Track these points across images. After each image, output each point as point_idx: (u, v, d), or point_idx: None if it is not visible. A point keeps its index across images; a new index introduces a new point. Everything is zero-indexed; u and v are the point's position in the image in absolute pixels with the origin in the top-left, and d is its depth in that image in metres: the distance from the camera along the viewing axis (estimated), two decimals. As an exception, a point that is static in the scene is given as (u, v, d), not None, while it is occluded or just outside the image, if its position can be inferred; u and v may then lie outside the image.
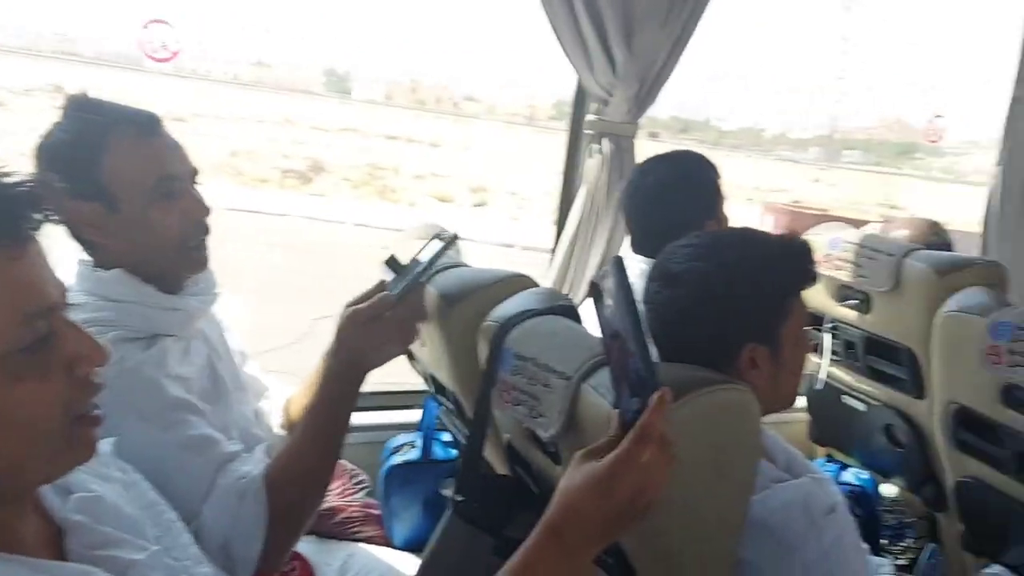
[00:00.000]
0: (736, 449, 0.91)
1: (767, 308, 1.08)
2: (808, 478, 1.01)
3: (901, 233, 2.14)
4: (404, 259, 1.43)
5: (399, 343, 1.20)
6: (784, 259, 1.10)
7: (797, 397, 1.17)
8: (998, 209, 2.19)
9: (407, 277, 1.20)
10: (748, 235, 1.15)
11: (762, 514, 0.96)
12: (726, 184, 1.69)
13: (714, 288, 1.07)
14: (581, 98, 2.00)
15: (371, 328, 1.16)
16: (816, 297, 2.03)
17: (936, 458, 1.76)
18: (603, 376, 0.90)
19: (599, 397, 0.91)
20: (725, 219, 1.69)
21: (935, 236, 2.13)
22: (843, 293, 1.95)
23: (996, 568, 1.64)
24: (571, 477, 0.79)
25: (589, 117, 1.93)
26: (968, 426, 1.59)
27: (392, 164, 15.52)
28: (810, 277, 1.11)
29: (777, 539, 0.96)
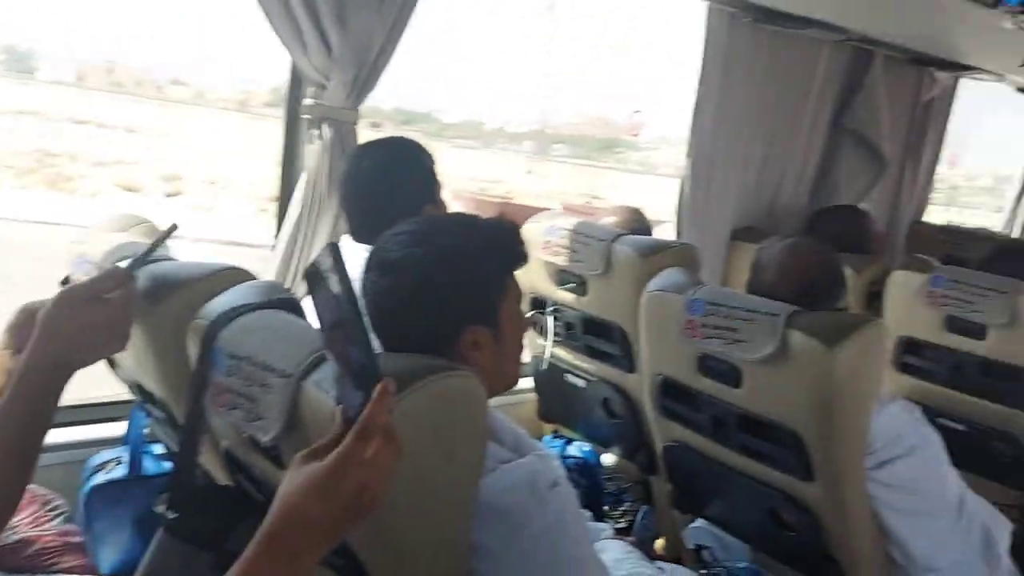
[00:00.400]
0: (464, 435, 0.90)
1: (484, 289, 1.10)
2: (533, 456, 1.04)
3: (609, 220, 2.29)
4: (95, 256, 1.28)
5: (120, 336, 1.04)
6: (496, 241, 1.13)
7: (520, 375, 1.20)
8: (689, 197, 2.43)
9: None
10: (461, 219, 1.16)
11: (491, 496, 0.97)
12: (446, 174, 1.70)
13: (432, 273, 1.06)
14: (297, 82, 1.91)
15: (91, 310, 1.00)
16: (538, 281, 2.12)
17: (647, 426, 1.90)
18: (327, 371, 0.86)
19: (322, 394, 0.86)
20: (444, 204, 1.70)
21: (637, 222, 2.32)
22: (562, 277, 2.05)
23: (700, 522, 1.81)
24: (291, 481, 0.74)
25: (307, 102, 1.85)
26: (672, 395, 1.72)
27: (71, 150, 13.83)
28: (522, 257, 1.15)
29: (506, 518, 0.97)
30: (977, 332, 2.04)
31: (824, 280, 1.63)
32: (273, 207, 2.01)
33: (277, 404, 0.89)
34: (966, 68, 2.79)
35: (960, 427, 2.11)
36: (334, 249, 0.75)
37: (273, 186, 2.00)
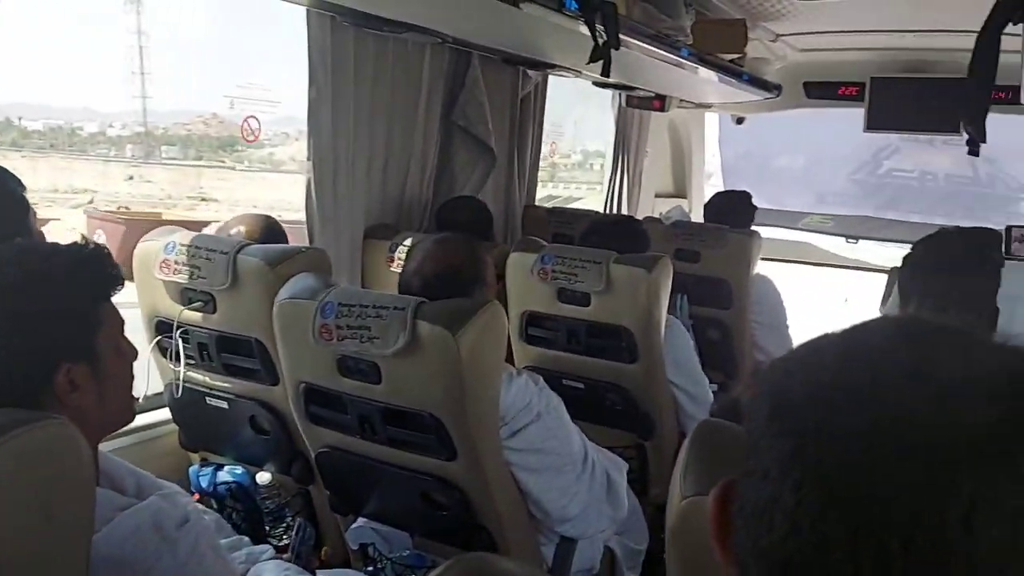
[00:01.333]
0: (62, 489, 0.81)
1: (73, 322, 1.00)
2: (156, 496, 0.97)
3: (238, 230, 2.20)
4: None
5: None
6: (81, 267, 1.02)
7: (134, 410, 1.11)
8: (317, 199, 2.42)
9: None
10: (33, 249, 1.04)
11: (110, 547, 0.88)
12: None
13: (3, 313, 0.93)
14: None
15: None
16: (160, 303, 1.98)
17: (298, 436, 1.87)
18: None
19: None
20: (40, 235, 1.51)
21: (269, 230, 2.26)
22: (188, 296, 1.93)
23: (361, 521, 1.84)
24: None
25: None
26: (317, 401, 1.72)
27: None
28: (115, 281, 1.06)
29: (131, 568, 0.90)
30: (582, 300, 2.30)
31: (463, 274, 1.73)
32: None
33: None
34: (551, 66, 3.13)
35: (580, 385, 2.38)
36: None
37: None
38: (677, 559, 0.86)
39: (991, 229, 2.08)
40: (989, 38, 1.72)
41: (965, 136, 2.19)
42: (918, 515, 0.41)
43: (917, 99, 3.84)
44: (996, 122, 1.99)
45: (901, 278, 1.56)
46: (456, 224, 2.70)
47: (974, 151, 2.18)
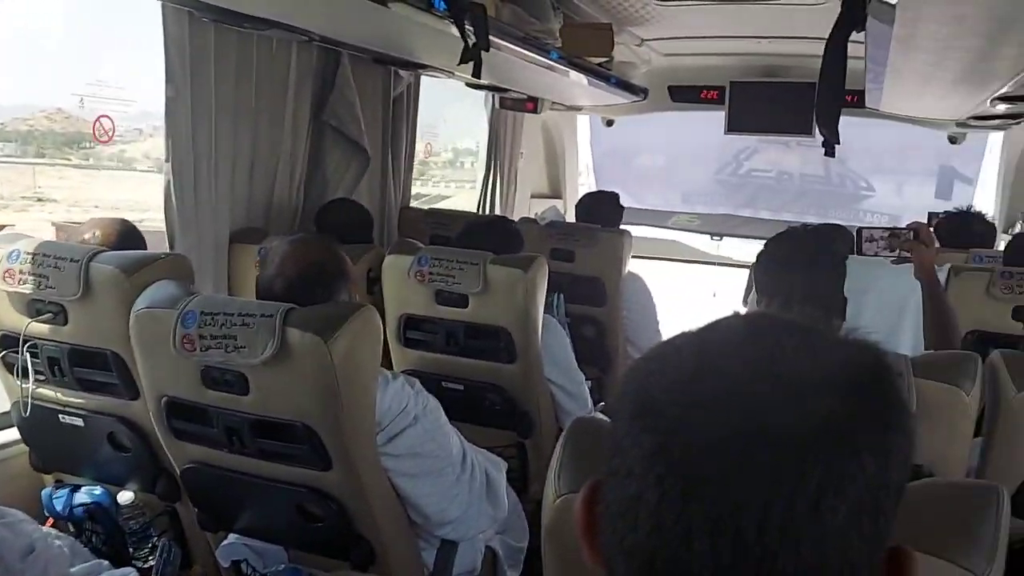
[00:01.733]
0: None
1: None
2: (-4, 527, 0.89)
3: (93, 234, 2.08)
4: None
5: None
6: None
7: None
8: (177, 203, 2.30)
9: None
10: None
11: None
12: None
13: None
14: None
15: None
16: (6, 315, 1.84)
17: (162, 452, 1.78)
18: None
19: None
20: None
21: (125, 235, 2.14)
22: (35, 307, 1.81)
23: (232, 537, 1.76)
24: None
25: None
26: (180, 415, 1.64)
27: None
28: None
29: None
30: (460, 301, 2.30)
31: (327, 271, 1.68)
32: None
33: None
34: (423, 66, 3.10)
35: (459, 387, 2.37)
36: None
37: None
38: (554, 556, 0.86)
39: (838, 225, 2.20)
40: (836, 45, 1.82)
41: (820, 138, 2.31)
42: (770, 504, 0.43)
43: (773, 102, 4.05)
44: (844, 124, 2.12)
45: (757, 274, 1.63)
46: (337, 226, 2.66)
47: (830, 152, 2.29)
